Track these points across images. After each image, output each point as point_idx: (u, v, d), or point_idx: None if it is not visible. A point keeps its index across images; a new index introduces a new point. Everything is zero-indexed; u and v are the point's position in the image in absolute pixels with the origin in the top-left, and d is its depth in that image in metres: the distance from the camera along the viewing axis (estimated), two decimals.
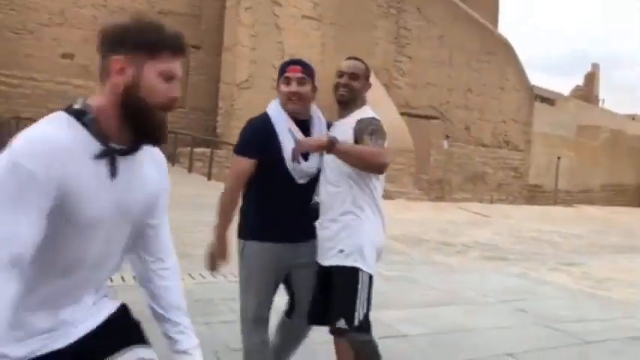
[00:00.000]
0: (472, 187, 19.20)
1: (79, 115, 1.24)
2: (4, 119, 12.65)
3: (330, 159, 2.33)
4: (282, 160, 2.39)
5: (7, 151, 1.16)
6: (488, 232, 10.06)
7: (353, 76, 2.42)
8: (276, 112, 2.46)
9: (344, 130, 2.36)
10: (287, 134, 2.40)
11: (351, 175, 2.31)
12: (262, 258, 2.44)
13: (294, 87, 2.41)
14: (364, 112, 2.41)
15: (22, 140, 1.16)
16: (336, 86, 2.42)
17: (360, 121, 2.32)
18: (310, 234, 2.49)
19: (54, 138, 1.18)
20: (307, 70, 2.44)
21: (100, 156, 1.25)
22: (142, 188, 1.36)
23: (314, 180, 2.47)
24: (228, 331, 3.34)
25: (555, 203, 19.86)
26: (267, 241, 2.42)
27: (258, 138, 2.43)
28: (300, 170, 2.41)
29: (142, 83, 1.25)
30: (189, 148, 14.79)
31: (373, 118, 2.34)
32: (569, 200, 20.67)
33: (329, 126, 2.56)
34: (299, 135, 2.40)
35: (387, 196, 13.88)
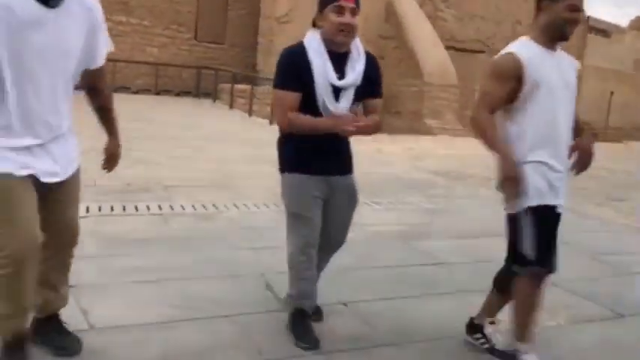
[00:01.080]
0: None
1: None
2: None
3: None
4: (314, 96, 2.32)
5: None
6: None
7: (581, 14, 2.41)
8: (314, 45, 2.33)
9: (569, 66, 2.56)
10: (322, 70, 2.30)
11: None
12: (302, 188, 2.43)
13: (347, 18, 2.25)
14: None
15: None
16: (574, 21, 2.34)
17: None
18: (343, 170, 2.51)
19: None
20: (358, 0, 2.31)
21: None
22: None
23: None
24: (272, 255, 3.48)
25: (605, 140, 19.15)
26: (305, 174, 2.41)
27: (297, 70, 2.31)
28: (331, 113, 2.34)
29: None
30: (229, 85, 14.83)
31: None
32: (620, 137, 19.87)
33: (372, 61, 2.45)
34: (334, 80, 2.30)
35: (429, 132, 13.67)
